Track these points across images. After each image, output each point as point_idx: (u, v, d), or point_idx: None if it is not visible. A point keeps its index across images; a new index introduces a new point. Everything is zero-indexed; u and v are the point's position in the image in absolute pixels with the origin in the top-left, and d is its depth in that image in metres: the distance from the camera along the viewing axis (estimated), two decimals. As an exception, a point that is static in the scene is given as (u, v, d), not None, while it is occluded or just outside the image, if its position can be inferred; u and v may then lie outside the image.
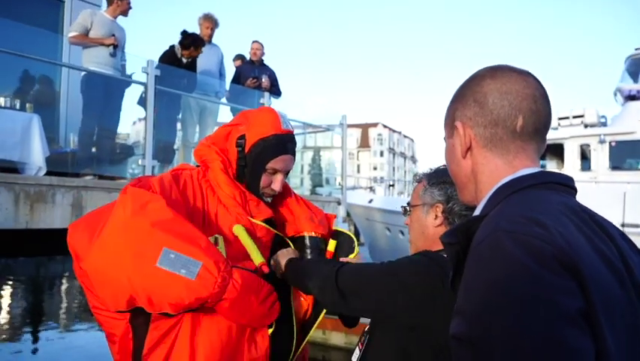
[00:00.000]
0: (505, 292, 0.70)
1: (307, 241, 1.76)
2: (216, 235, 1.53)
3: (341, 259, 1.72)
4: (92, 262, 1.39)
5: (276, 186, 1.66)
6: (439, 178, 1.51)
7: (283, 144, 1.64)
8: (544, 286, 0.68)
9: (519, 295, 0.69)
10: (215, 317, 1.48)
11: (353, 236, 1.84)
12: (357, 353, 1.56)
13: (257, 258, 1.52)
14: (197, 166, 1.74)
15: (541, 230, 0.73)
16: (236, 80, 6.77)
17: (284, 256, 1.65)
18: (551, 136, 12.02)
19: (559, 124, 12.89)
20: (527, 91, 0.91)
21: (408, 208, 1.60)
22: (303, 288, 1.59)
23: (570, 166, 12.07)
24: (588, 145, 12.03)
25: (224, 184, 1.62)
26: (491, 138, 0.92)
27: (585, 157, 12.17)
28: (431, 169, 1.59)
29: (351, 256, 1.78)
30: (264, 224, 1.64)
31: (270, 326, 1.55)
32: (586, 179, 10.94)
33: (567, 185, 0.89)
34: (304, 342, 1.71)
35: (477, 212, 0.91)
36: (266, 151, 1.61)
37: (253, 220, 1.63)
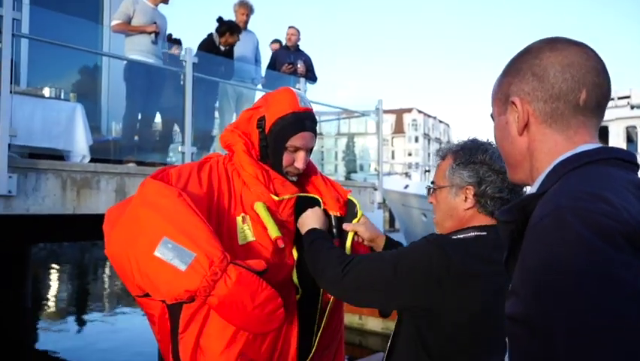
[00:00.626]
0: (570, 270, 0.67)
1: (333, 221, 1.77)
2: (243, 214, 1.58)
3: (345, 225, 1.76)
4: (109, 249, 1.48)
5: (299, 164, 1.68)
6: (468, 157, 1.42)
7: (301, 120, 1.65)
8: (610, 263, 0.66)
9: (584, 274, 0.66)
10: None
11: (355, 201, 1.85)
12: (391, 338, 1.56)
13: (273, 232, 1.54)
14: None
15: (606, 206, 0.70)
16: (272, 65, 6.78)
17: (310, 219, 1.65)
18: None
19: (603, 106, 12.44)
20: (589, 63, 0.87)
21: (433, 187, 1.52)
22: (312, 268, 1.58)
23: (615, 149, 11.63)
24: (634, 127, 11.57)
25: (247, 164, 1.65)
26: (552, 113, 0.87)
27: (631, 140, 11.72)
28: (457, 144, 1.50)
29: (355, 220, 1.78)
30: (288, 196, 1.66)
31: (297, 293, 1.61)
32: (632, 162, 10.50)
33: (630, 161, 0.85)
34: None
35: (533, 189, 0.87)
36: (285, 129, 1.64)
37: (275, 198, 1.65)
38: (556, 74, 0.86)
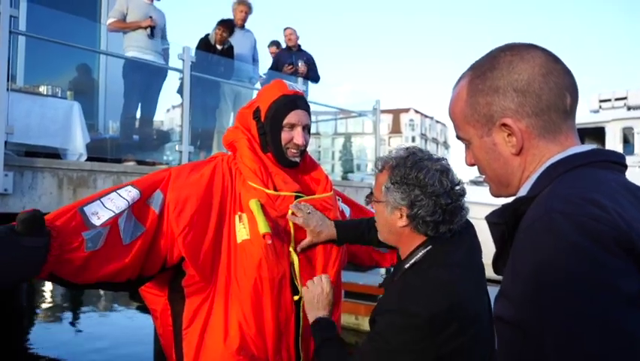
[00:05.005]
0: (561, 274, 0.67)
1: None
2: (239, 213, 1.62)
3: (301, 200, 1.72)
4: None
5: (298, 139, 1.70)
6: (401, 177, 1.39)
7: (292, 100, 1.71)
8: (602, 268, 0.66)
9: (575, 278, 0.66)
10: (244, 286, 1.57)
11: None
12: None
13: (262, 228, 1.56)
14: None
15: (598, 211, 0.70)
16: (275, 67, 6.78)
17: (316, 302, 1.56)
18: (592, 119, 11.60)
19: (600, 107, 12.44)
20: (559, 66, 0.86)
21: (372, 199, 1.52)
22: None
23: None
24: (631, 128, 11.59)
25: (248, 159, 1.69)
26: (544, 125, 0.85)
27: (627, 141, 11.75)
28: (394, 157, 1.45)
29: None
30: (287, 193, 1.68)
31: (297, 294, 1.63)
32: (629, 163, 10.54)
33: (619, 163, 0.85)
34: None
35: (523, 192, 0.86)
36: (278, 110, 1.70)
37: (269, 192, 1.66)
38: (540, 85, 0.84)
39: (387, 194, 1.41)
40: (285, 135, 1.70)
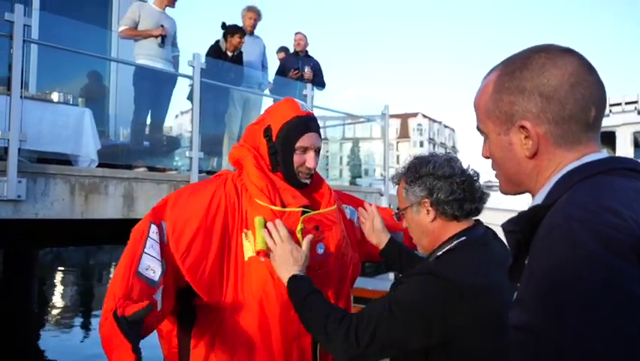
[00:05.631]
0: (576, 281, 0.67)
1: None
2: (245, 230, 1.61)
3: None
4: None
5: (310, 163, 1.70)
6: (414, 174, 1.50)
7: (305, 123, 1.70)
8: (618, 275, 0.66)
9: (591, 285, 0.66)
10: (251, 303, 1.57)
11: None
12: None
13: (258, 244, 1.55)
14: None
15: (615, 219, 0.70)
16: (281, 71, 6.80)
17: (283, 262, 1.54)
18: (602, 124, 11.50)
19: (610, 111, 12.36)
20: (592, 78, 0.85)
21: (400, 213, 1.58)
22: (315, 335, 1.51)
23: (622, 155, 11.56)
24: (642, 133, 11.49)
25: (255, 177, 1.67)
26: (563, 134, 0.85)
27: (638, 145, 11.65)
28: (405, 166, 1.57)
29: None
30: (293, 209, 1.67)
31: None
32: (640, 168, 10.43)
33: (636, 170, 0.84)
34: None
35: (539, 200, 0.86)
36: (291, 132, 1.68)
37: (274, 208, 1.64)
38: (566, 95, 0.84)
39: (408, 196, 1.51)
40: (297, 158, 1.69)
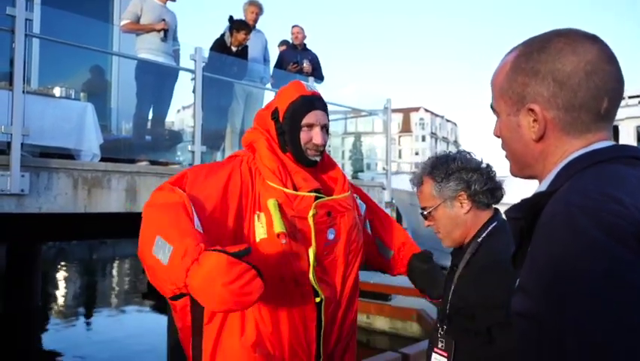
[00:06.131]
0: (578, 268, 0.67)
1: None
2: (258, 212, 1.63)
3: None
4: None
5: (317, 139, 1.73)
6: (446, 171, 1.58)
7: (310, 101, 1.75)
8: (619, 263, 0.66)
9: (592, 272, 0.66)
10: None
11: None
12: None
13: (277, 227, 1.57)
14: None
15: (618, 206, 0.70)
16: (279, 64, 6.79)
17: None
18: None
19: (613, 105, 12.32)
20: (610, 68, 0.84)
21: (428, 211, 1.64)
22: None
23: (625, 148, 11.52)
24: (645, 126, 11.46)
25: (267, 159, 1.70)
26: (572, 122, 0.85)
27: (641, 139, 11.62)
28: (426, 167, 1.65)
29: None
30: (306, 193, 1.68)
31: (317, 296, 1.64)
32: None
33: None
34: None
35: (543, 187, 0.86)
36: (296, 110, 1.73)
37: (288, 192, 1.66)
38: (580, 82, 0.83)
39: (442, 192, 1.59)
40: (303, 135, 1.72)
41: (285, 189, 1.66)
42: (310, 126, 1.73)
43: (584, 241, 0.68)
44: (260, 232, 1.61)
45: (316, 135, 1.73)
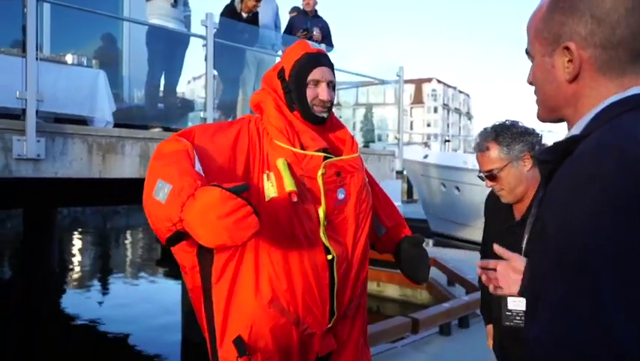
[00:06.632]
0: (600, 205, 0.67)
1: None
2: (267, 172, 1.64)
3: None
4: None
5: (323, 95, 1.73)
6: (511, 136, 1.84)
7: (316, 58, 1.76)
8: (636, 204, 0.66)
9: (614, 210, 0.66)
10: (272, 243, 1.61)
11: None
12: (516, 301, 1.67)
13: (288, 186, 1.59)
14: None
15: None
16: (289, 31, 6.73)
17: None
18: None
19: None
20: None
21: (495, 172, 1.86)
22: None
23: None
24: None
25: (274, 118, 1.71)
26: (608, 60, 0.82)
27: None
28: (490, 133, 1.89)
29: None
30: (314, 153, 1.68)
31: (328, 253, 1.66)
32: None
33: None
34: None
35: (576, 131, 0.85)
36: (302, 67, 1.73)
37: (296, 151, 1.67)
38: (619, 18, 0.80)
39: (509, 154, 1.84)
40: (310, 92, 1.72)
41: (293, 149, 1.67)
42: (316, 83, 1.73)
43: (609, 182, 0.68)
44: (270, 191, 1.62)
45: (322, 91, 1.73)
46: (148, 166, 1.54)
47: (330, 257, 1.66)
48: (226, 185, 1.35)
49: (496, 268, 1.42)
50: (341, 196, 1.71)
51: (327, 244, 1.66)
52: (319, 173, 1.66)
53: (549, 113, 0.94)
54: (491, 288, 1.44)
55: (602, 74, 0.83)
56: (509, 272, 1.38)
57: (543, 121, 0.97)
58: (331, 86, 1.77)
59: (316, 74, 1.73)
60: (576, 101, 0.87)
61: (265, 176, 1.64)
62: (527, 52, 0.95)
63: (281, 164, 1.62)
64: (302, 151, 1.67)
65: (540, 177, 0.89)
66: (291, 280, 1.63)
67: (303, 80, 1.72)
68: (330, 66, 1.78)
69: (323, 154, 1.69)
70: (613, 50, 0.81)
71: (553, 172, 0.82)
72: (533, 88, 0.96)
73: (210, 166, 1.56)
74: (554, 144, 0.84)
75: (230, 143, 1.63)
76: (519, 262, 1.36)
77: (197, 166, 1.49)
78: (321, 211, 1.66)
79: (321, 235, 1.65)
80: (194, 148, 1.55)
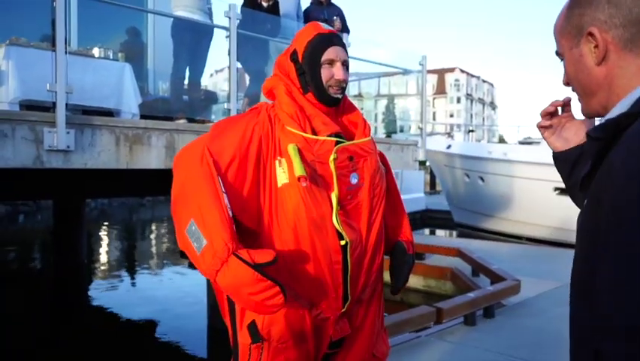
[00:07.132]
0: None
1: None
2: (279, 158, 1.64)
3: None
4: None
5: (339, 74, 1.71)
6: None
7: (328, 38, 1.74)
8: None
9: None
10: (285, 229, 1.64)
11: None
12: None
13: (297, 170, 1.59)
14: None
15: None
16: (305, 21, 6.70)
17: None
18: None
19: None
20: None
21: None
22: None
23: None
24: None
25: (285, 104, 1.70)
26: (632, 38, 0.87)
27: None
28: None
29: None
30: (325, 138, 1.67)
31: (342, 238, 1.64)
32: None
33: None
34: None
35: (619, 110, 0.87)
36: (315, 48, 1.71)
37: (307, 136, 1.66)
38: (633, 0, 0.86)
39: None
40: (325, 72, 1.71)
41: (304, 134, 1.66)
42: (331, 63, 1.71)
43: None
44: (282, 178, 1.62)
45: (338, 71, 1.71)
46: (174, 172, 1.63)
47: (343, 242, 1.65)
48: (257, 256, 1.47)
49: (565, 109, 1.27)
50: (354, 181, 1.69)
51: (340, 229, 1.64)
52: (331, 158, 1.65)
53: (590, 100, 0.97)
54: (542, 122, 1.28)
55: (628, 50, 0.88)
56: (579, 123, 1.24)
57: (587, 116, 1.00)
58: (346, 65, 1.75)
59: (330, 53, 1.71)
60: (610, 83, 0.91)
61: (277, 162, 1.64)
62: (557, 53, 1.01)
63: (291, 149, 1.62)
64: (313, 136, 1.66)
65: (588, 152, 0.90)
66: (304, 265, 1.64)
67: (317, 60, 1.70)
68: (343, 46, 1.77)
69: (335, 139, 1.68)
70: (634, 27, 0.87)
71: (603, 151, 0.84)
72: (570, 87, 1.01)
73: (221, 160, 1.61)
74: (606, 120, 0.86)
75: (239, 134, 1.65)
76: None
77: (225, 199, 1.55)
78: (333, 196, 1.65)
79: (334, 220, 1.64)
80: (211, 152, 1.61)
